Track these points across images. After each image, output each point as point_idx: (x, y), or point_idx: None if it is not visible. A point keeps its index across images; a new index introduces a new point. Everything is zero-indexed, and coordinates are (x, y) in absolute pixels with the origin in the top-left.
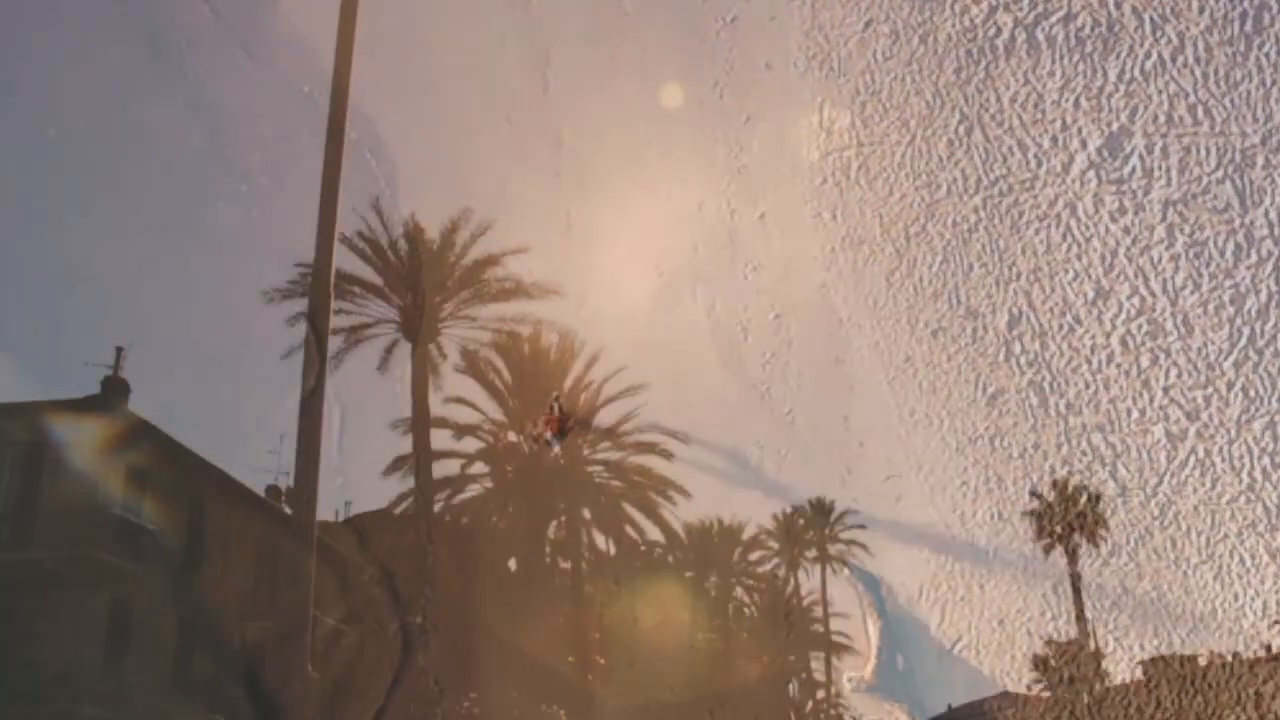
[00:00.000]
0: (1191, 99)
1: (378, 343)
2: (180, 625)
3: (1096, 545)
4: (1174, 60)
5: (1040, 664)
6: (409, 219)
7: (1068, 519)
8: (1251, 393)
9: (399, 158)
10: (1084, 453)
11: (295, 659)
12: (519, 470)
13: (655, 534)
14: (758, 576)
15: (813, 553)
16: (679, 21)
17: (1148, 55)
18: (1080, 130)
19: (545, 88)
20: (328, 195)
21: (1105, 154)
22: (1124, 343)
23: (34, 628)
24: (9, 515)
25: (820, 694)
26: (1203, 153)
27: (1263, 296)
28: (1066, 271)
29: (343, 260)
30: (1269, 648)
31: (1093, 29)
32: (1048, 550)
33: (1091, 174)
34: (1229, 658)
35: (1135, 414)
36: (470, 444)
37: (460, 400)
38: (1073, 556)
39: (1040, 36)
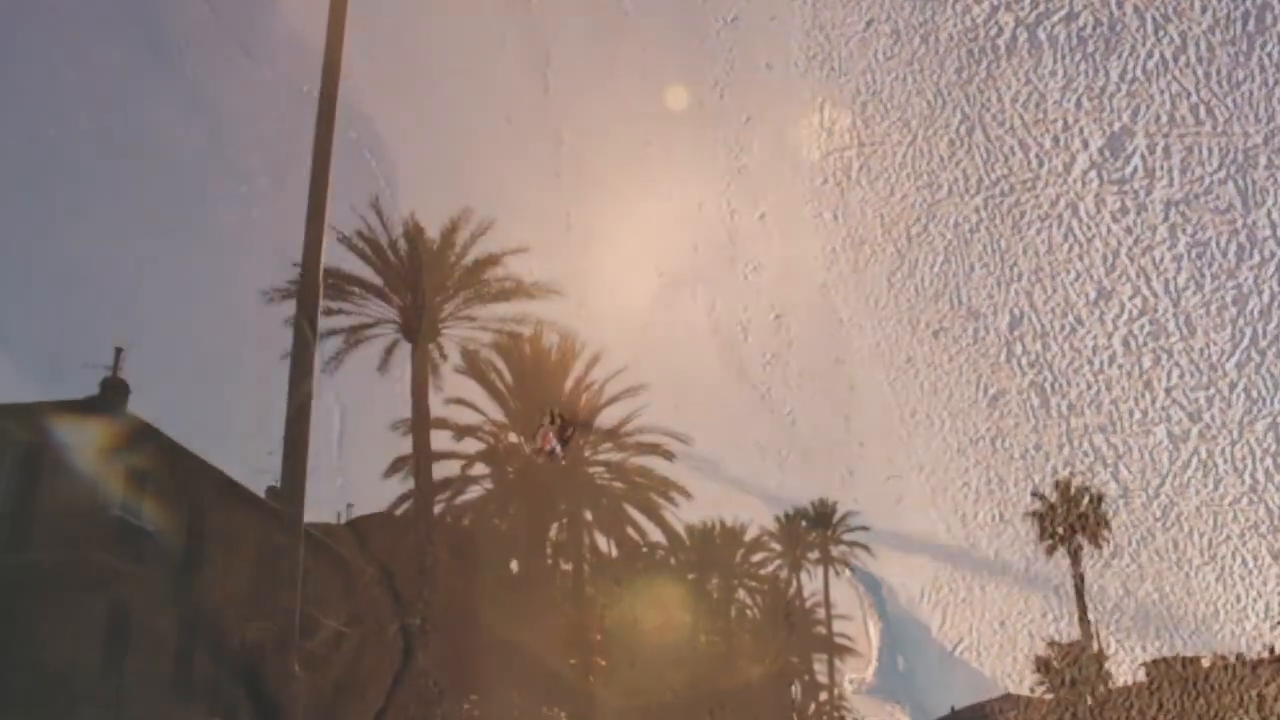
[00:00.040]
0: (1194, 99)
1: (378, 343)
2: (180, 626)
3: (1099, 547)
4: (1176, 60)
5: (1043, 666)
6: (409, 219)
7: (1070, 520)
8: (1254, 394)
9: (399, 158)
10: (1086, 454)
11: (283, 659)
12: (520, 472)
13: (657, 535)
14: (760, 579)
15: (815, 555)
16: (679, 21)
17: (1150, 55)
18: (1082, 130)
19: (545, 88)
20: (318, 186)
21: (1107, 154)
22: (1126, 343)
23: (33, 629)
24: (8, 516)
25: (823, 696)
26: (1205, 153)
27: (1265, 297)
28: (1068, 272)
29: (343, 260)
30: (1273, 649)
31: (1094, 28)
32: (1050, 552)
33: (1093, 174)
34: (1233, 659)
35: (1137, 415)
36: (471, 445)
37: (461, 401)
38: (1075, 558)
39: (1042, 36)
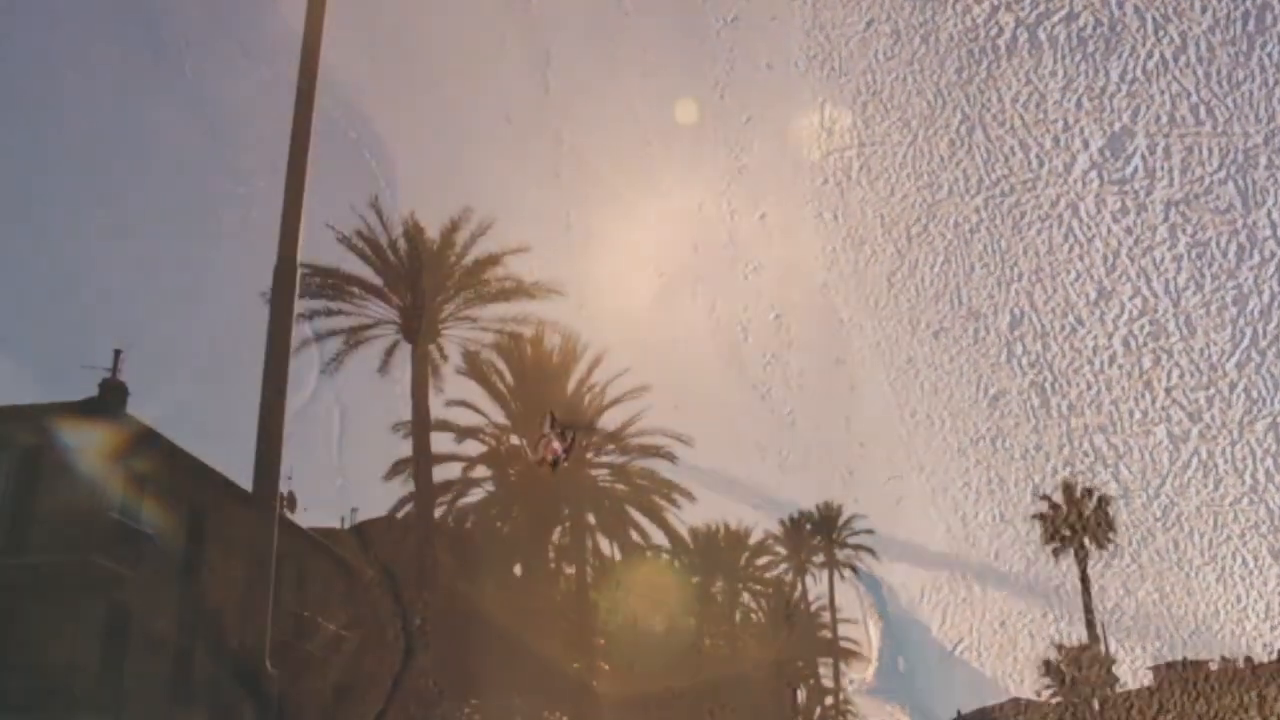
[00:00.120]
0: (1194, 99)
1: (378, 344)
2: (179, 629)
3: (1104, 548)
4: (1176, 60)
5: (1050, 669)
6: (408, 219)
7: (1075, 522)
8: (1254, 394)
9: (399, 158)
10: (1086, 454)
11: (255, 656)
12: (522, 474)
13: (660, 538)
14: (764, 582)
15: (819, 558)
16: (679, 21)
17: (1150, 55)
18: (1082, 130)
19: (545, 88)
20: (294, 176)
21: (1107, 154)
22: (1126, 343)
23: (32, 632)
24: (7, 518)
25: (828, 700)
26: (1205, 153)
27: (1265, 297)
28: (1068, 272)
29: (342, 260)
30: None
31: (1095, 29)
32: (1056, 554)
33: (1093, 174)
34: (1240, 663)
35: (1137, 415)
36: (473, 447)
37: (462, 403)
38: (1081, 561)
39: (1042, 36)
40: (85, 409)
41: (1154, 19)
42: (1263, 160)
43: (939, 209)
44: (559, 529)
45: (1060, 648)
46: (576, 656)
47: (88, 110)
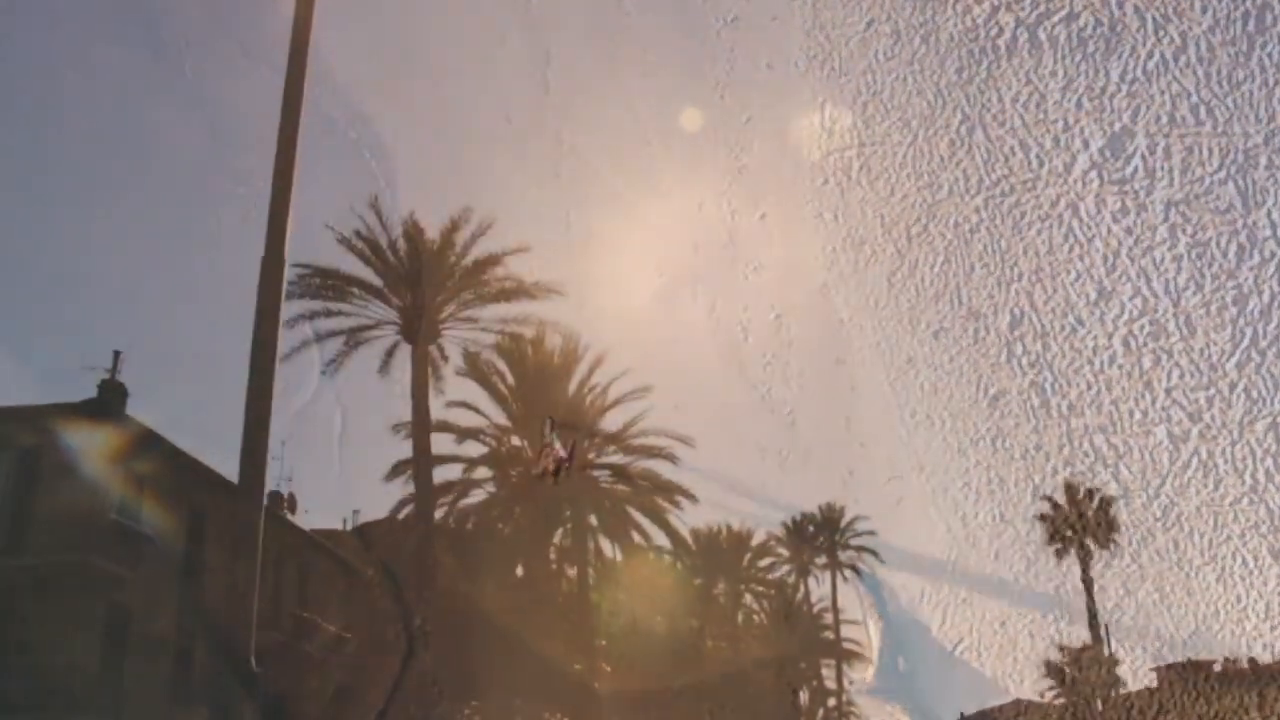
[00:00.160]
0: (1194, 99)
1: (379, 345)
2: (179, 630)
3: (1107, 549)
4: (1176, 60)
5: (1052, 670)
6: (408, 219)
7: (1077, 522)
8: (1254, 394)
9: (399, 158)
10: (1086, 454)
11: (239, 654)
12: (523, 475)
13: (662, 539)
14: (767, 583)
15: (822, 559)
16: (679, 21)
17: (1150, 55)
18: (1082, 130)
19: (545, 88)
20: (284, 157)
21: (1107, 154)
22: (1126, 343)
23: (30, 634)
24: (6, 519)
25: (831, 702)
26: (1205, 153)
27: (1265, 297)
28: (1068, 272)
29: (342, 261)
30: None
31: (1095, 29)
32: (1060, 555)
33: (1093, 174)
34: (1244, 663)
35: (1137, 415)
36: (474, 448)
37: (463, 404)
38: (1085, 562)
39: (1042, 36)
40: (85, 410)
41: (1154, 19)
42: (1263, 160)
43: (939, 209)
44: (560, 530)
45: (1063, 649)
46: (578, 658)
47: (88, 110)
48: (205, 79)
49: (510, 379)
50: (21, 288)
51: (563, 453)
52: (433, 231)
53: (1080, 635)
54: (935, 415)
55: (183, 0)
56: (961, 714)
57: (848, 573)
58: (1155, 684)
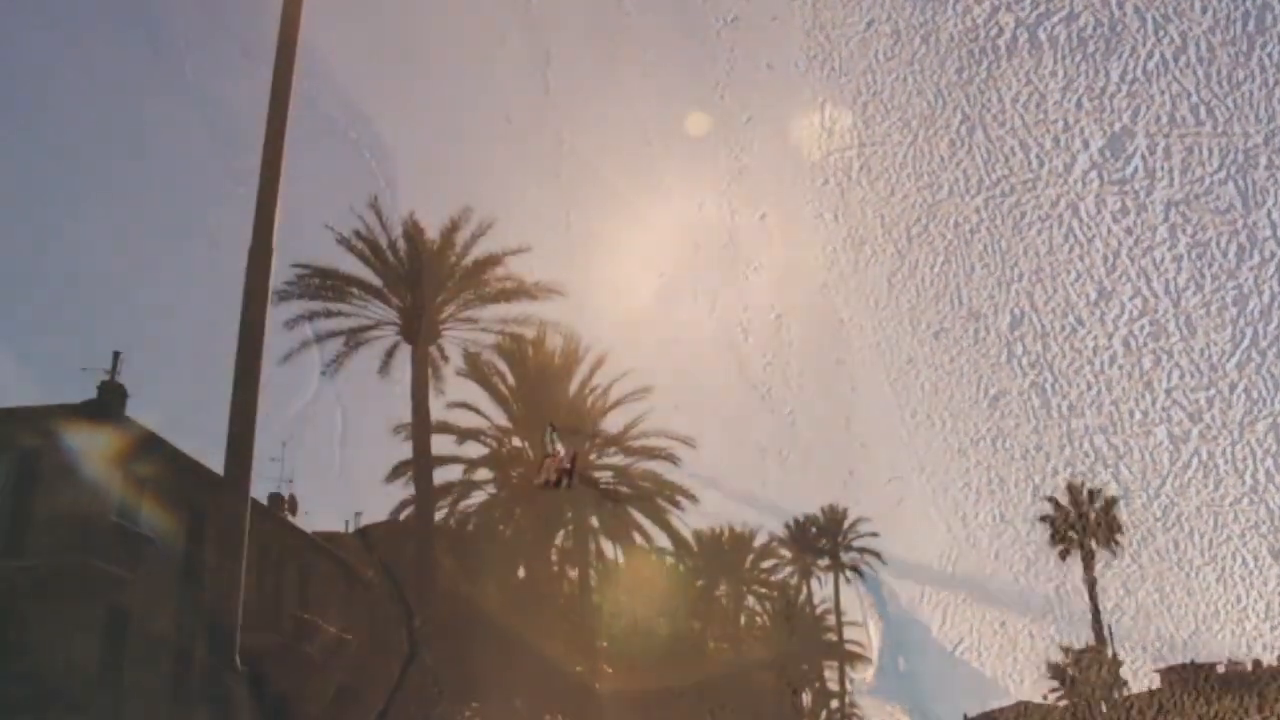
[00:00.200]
0: (1194, 99)
1: (379, 345)
2: (179, 632)
3: (1112, 551)
4: (1176, 60)
5: (1056, 672)
6: (408, 219)
7: (1079, 523)
8: (1255, 394)
9: (399, 158)
10: (1086, 454)
11: (225, 655)
12: (525, 477)
13: (663, 540)
14: (769, 585)
15: (825, 561)
16: (679, 21)
17: (1150, 55)
18: (1082, 130)
19: (545, 88)
20: (271, 149)
21: (1107, 154)
22: (1126, 344)
23: (30, 636)
24: (5, 521)
25: (834, 704)
26: (1205, 153)
27: (1265, 297)
28: (1069, 272)
29: (341, 261)
30: None
31: (1095, 29)
32: (1063, 556)
33: (1094, 174)
34: (1248, 665)
35: (1138, 415)
36: (475, 449)
37: (465, 405)
38: (1088, 564)
39: (1042, 36)
40: (84, 411)
41: (1154, 19)
42: (1263, 160)
43: (939, 209)
44: (562, 532)
45: (1067, 650)
46: (579, 659)
47: (87, 110)
48: (205, 79)
49: (511, 380)
50: (22, 288)
51: (566, 463)
52: (433, 231)
53: (1080, 635)
54: (935, 415)
55: (183, 0)
56: (965, 715)
57: (849, 575)
58: (1158, 686)
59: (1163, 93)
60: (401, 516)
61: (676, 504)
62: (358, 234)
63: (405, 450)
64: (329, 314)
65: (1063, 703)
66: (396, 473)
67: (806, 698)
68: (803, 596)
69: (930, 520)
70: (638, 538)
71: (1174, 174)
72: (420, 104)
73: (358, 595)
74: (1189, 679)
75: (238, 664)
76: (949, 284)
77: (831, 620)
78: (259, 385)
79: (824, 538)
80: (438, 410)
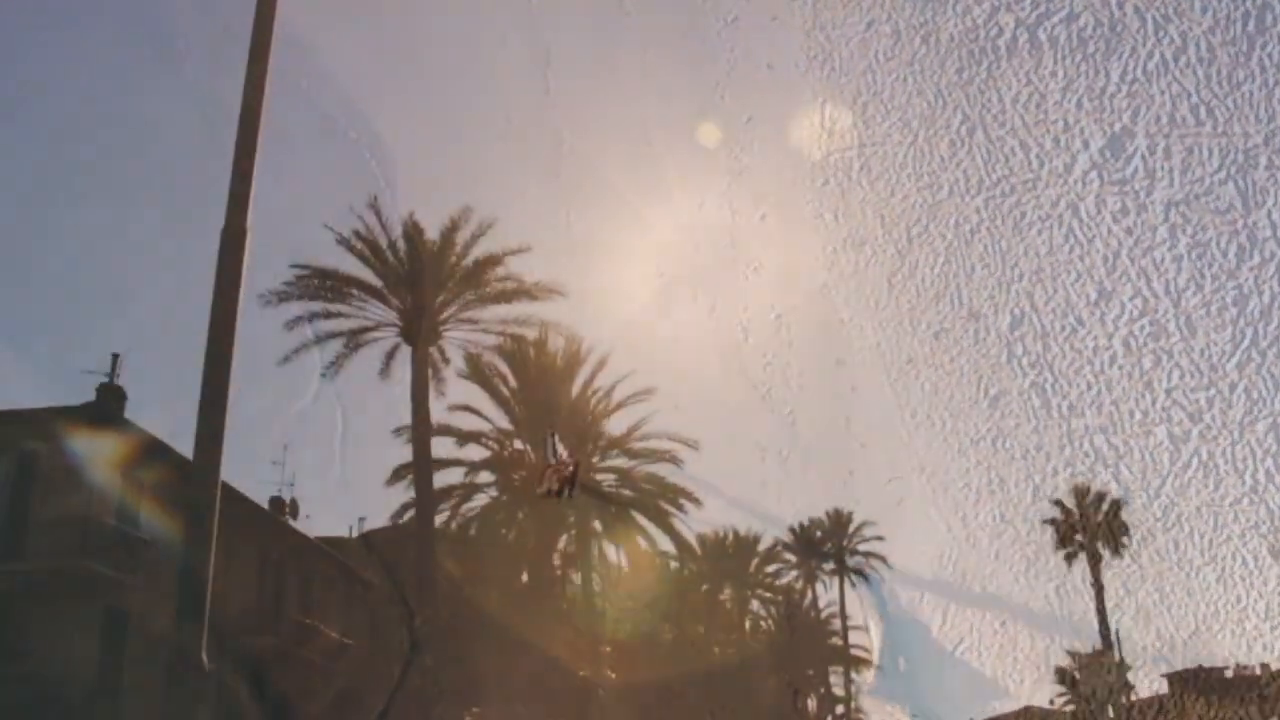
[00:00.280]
0: (1194, 99)
1: (379, 346)
2: (178, 639)
3: (1119, 555)
4: (1176, 60)
5: (1065, 676)
6: (408, 219)
7: (1082, 524)
8: (1255, 394)
9: (399, 158)
10: (1087, 454)
11: (192, 647)
12: (527, 479)
13: (666, 544)
14: (774, 589)
15: (830, 564)
16: (679, 21)
17: (1150, 55)
18: (1082, 130)
19: (545, 88)
20: (247, 126)
21: (1107, 154)
22: (1126, 344)
23: (27, 639)
24: (2, 524)
25: (839, 709)
26: (1205, 153)
27: (1265, 297)
28: (1069, 272)
29: (341, 261)
30: None
31: (1095, 29)
32: (1069, 560)
33: (1094, 174)
34: (1256, 669)
35: (1138, 415)
36: (477, 451)
37: (465, 408)
38: (1095, 567)
39: (1042, 36)
40: (83, 414)
41: (1154, 19)
42: (1263, 160)
43: (939, 209)
44: (565, 536)
45: (1073, 654)
46: (582, 663)
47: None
48: (206, 79)
49: (512, 381)
50: (21, 289)
51: (567, 472)
52: (433, 232)
53: (1081, 635)
54: (935, 416)
55: (183, 0)
56: None
57: (854, 579)
58: (1165, 690)
59: (1163, 93)
60: (403, 520)
61: (680, 507)
62: (357, 234)
63: (407, 453)
64: (329, 315)
65: (1070, 708)
66: (397, 476)
67: (812, 703)
68: (807, 601)
69: (930, 520)
70: (641, 541)
71: (1174, 174)
72: (420, 104)
73: (359, 599)
74: (1197, 683)
75: (204, 661)
76: (949, 284)
77: (835, 625)
78: (229, 373)
79: (828, 541)
80: (439, 412)
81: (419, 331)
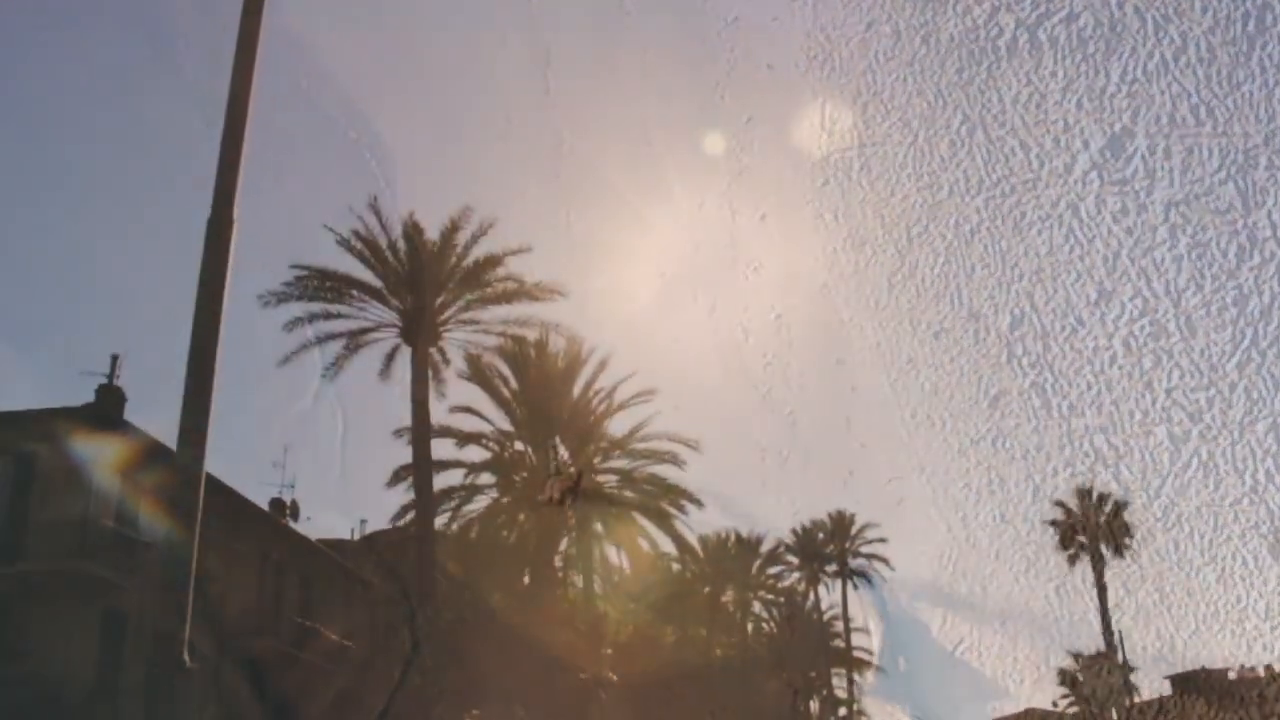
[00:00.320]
0: (1194, 99)
1: (379, 347)
2: (178, 640)
3: (1122, 556)
4: (1176, 60)
5: (1067, 679)
6: (408, 219)
7: (1084, 525)
8: (1255, 394)
9: (399, 158)
10: (1087, 454)
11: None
12: (527, 481)
13: (667, 545)
14: (777, 590)
15: (832, 567)
16: (679, 21)
17: (1150, 55)
18: (1083, 131)
19: (545, 88)
20: (235, 110)
21: (1108, 154)
22: (1126, 344)
23: (26, 641)
24: (1, 525)
25: (842, 712)
26: (1205, 153)
27: (1265, 297)
28: (1069, 273)
29: (341, 262)
30: None
31: (1095, 29)
32: (1072, 561)
33: (1094, 174)
34: (1261, 671)
35: (1138, 415)
36: (478, 453)
37: (466, 409)
38: (1098, 568)
39: (1042, 37)
40: (83, 415)
41: (1154, 19)
42: (1263, 160)
43: (939, 209)
44: (566, 537)
45: (1077, 656)
46: (583, 665)
47: (88, 109)
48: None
49: (513, 382)
50: (21, 289)
51: (570, 480)
52: (433, 232)
53: (1082, 635)
54: (935, 416)
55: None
56: None
57: (856, 581)
58: (1168, 691)
59: (1163, 93)
60: (403, 522)
61: (681, 508)
62: (357, 234)
63: (407, 454)
64: (329, 316)
65: (1073, 709)
66: (397, 477)
67: (815, 705)
68: (809, 603)
69: (930, 520)
70: (642, 543)
71: (1174, 174)
72: (420, 104)
73: (359, 600)
74: (1199, 685)
75: (187, 660)
76: (949, 284)
77: (836, 626)
78: (215, 371)
79: (831, 543)
80: (439, 413)
81: (419, 332)
